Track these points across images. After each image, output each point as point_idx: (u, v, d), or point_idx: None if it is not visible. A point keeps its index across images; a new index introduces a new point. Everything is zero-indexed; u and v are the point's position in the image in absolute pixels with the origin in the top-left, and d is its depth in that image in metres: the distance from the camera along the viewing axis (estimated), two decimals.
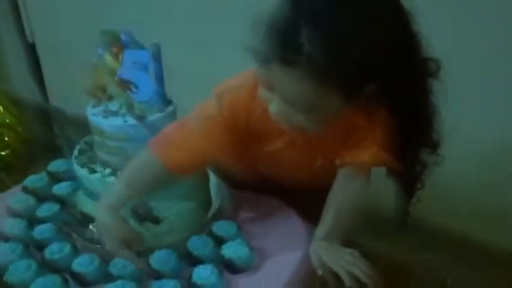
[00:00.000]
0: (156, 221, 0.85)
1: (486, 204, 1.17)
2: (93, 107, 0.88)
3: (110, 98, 0.88)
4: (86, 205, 0.89)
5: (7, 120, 1.73)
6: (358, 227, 0.87)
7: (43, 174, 1.04)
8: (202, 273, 0.77)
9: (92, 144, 0.90)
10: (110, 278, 0.77)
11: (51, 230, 0.88)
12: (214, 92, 0.82)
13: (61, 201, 0.96)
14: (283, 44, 0.65)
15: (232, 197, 0.98)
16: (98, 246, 0.83)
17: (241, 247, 0.82)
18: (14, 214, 0.94)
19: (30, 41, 2.00)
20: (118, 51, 0.87)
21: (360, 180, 0.84)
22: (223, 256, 0.82)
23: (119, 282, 0.74)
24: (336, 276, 0.81)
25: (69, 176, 1.01)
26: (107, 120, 0.84)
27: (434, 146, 0.76)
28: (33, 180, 1.02)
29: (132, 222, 0.85)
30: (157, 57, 0.83)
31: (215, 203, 0.95)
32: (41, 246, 0.85)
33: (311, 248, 0.87)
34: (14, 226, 0.89)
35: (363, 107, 0.76)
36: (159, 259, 0.80)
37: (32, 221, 0.91)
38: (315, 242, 0.87)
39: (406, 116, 0.73)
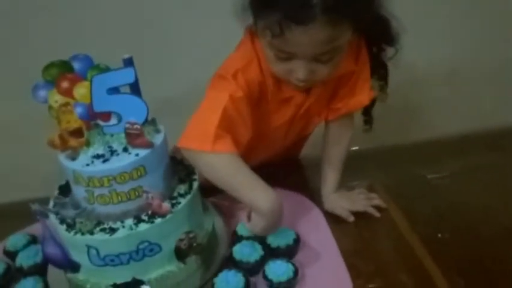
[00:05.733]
0: (199, 250, 0.75)
1: None
2: (73, 159, 0.69)
3: (87, 142, 0.70)
4: (111, 276, 0.70)
5: None
6: None
7: None
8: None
9: (78, 206, 0.71)
10: None
11: None
12: (224, 74, 0.77)
13: None
14: (294, 6, 0.66)
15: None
16: None
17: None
18: None
19: None
20: (71, 85, 0.71)
21: (350, 126, 0.93)
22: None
23: None
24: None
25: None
26: (111, 163, 0.67)
27: (395, 39, 0.81)
28: None
29: (177, 263, 0.73)
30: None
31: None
32: None
33: (327, 204, 0.92)
34: None
35: (350, 51, 0.82)
36: None
37: None
38: (328, 197, 0.93)
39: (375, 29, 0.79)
